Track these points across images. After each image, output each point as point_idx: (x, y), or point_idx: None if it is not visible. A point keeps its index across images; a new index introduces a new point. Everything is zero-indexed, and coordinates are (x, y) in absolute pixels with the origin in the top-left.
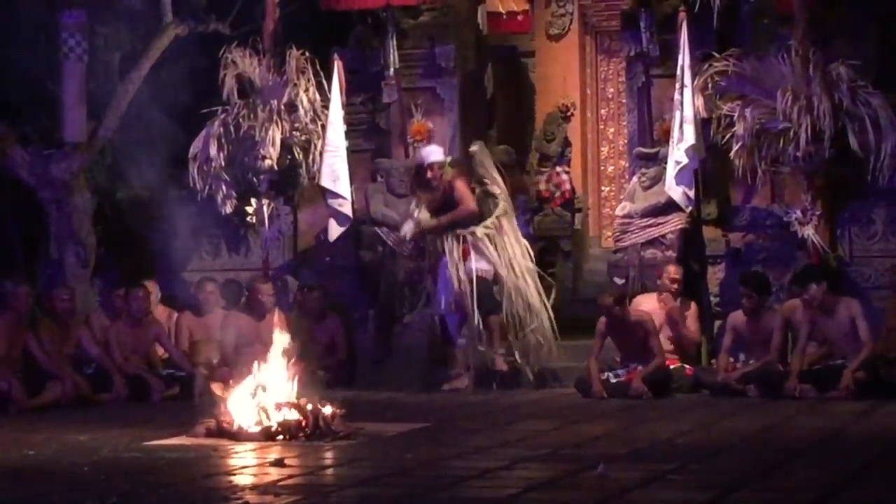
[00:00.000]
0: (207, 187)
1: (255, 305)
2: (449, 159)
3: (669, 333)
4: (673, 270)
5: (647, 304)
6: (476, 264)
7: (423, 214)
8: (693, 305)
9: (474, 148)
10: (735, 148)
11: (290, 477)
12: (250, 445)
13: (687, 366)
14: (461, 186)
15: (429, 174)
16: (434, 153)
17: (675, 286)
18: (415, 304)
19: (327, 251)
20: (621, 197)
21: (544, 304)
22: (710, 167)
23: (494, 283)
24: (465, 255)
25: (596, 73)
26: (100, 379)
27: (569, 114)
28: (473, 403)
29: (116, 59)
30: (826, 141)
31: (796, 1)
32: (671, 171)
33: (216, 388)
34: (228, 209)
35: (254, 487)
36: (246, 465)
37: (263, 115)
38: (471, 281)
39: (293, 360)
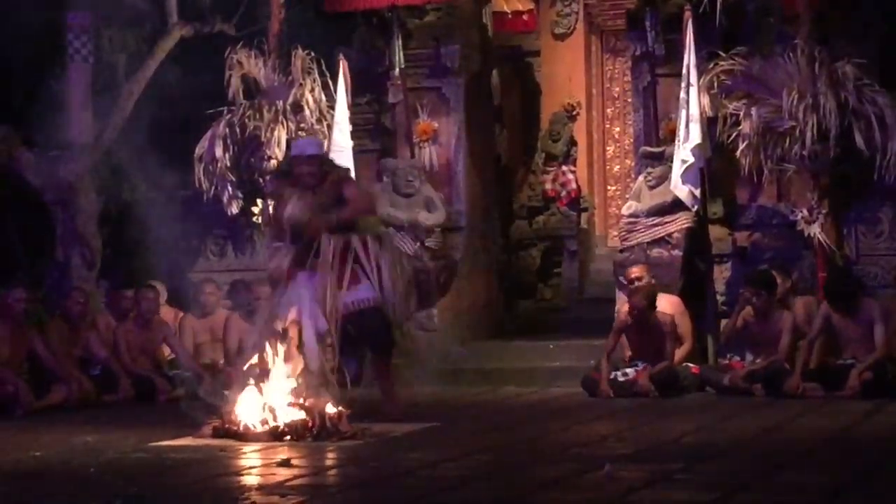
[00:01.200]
0: (213, 188)
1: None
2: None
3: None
4: (633, 270)
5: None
6: (356, 295)
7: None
8: (673, 301)
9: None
10: (741, 147)
11: (296, 477)
12: (257, 446)
13: (692, 365)
14: (353, 185)
15: (305, 168)
16: (312, 145)
17: (635, 285)
18: (422, 302)
19: None
20: (627, 196)
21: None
22: (716, 166)
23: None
24: (354, 282)
25: (601, 72)
26: (106, 380)
27: (574, 113)
28: (480, 403)
29: (122, 60)
30: (832, 140)
31: (801, 0)
32: (677, 170)
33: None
34: (234, 210)
35: (260, 488)
36: (252, 465)
37: (269, 115)
38: (351, 315)
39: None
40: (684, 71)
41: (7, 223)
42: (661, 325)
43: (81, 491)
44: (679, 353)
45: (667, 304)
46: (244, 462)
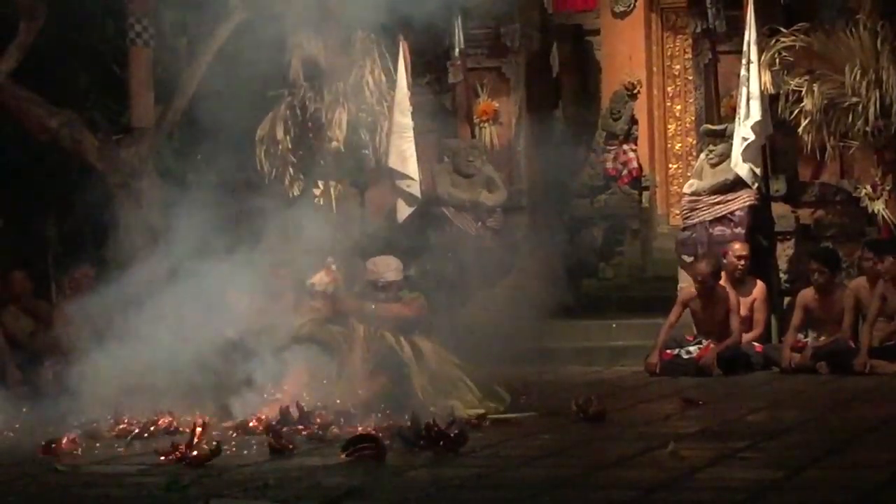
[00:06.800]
0: (274, 170)
1: None
2: None
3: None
4: (739, 248)
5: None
6: None
7: None
8: (760, 286)
9: None
10: (803, 123)
11: (358, 459)
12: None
13: (756, 343)
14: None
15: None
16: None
17: (742, 264)
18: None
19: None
20: (689, 174)
21: None
22: (778, 143)
23: None
24: None
25: (662, 50)
26: None
27: (635, 91)
28: (538, 382)
29: (183, 43)
30: (895, 115)
31: None
32: (737, 147)
33: None
34: (296, 192)
35: (324, 468)
36: (312, 447)
37: (329, 97)
38: None
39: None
40: (745, 48)
41: (73, 208)
42: (725, 300)
43: (148, 473)
44: (748, 336)
45: (752, 286)
46: (304, 445)
